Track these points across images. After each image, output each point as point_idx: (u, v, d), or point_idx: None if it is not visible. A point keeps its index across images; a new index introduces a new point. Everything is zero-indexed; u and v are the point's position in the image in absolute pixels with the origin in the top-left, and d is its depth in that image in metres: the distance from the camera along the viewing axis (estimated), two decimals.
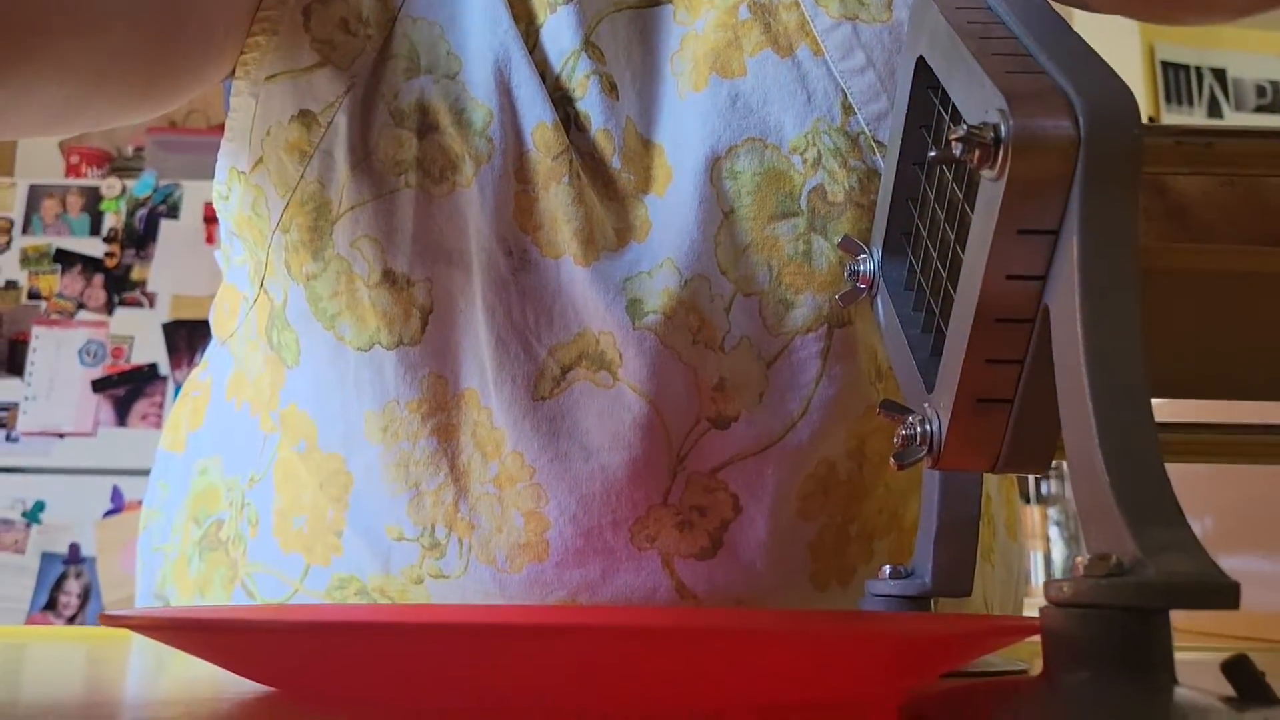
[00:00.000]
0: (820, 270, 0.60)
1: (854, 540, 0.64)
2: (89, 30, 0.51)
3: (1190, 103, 3.36)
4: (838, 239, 0.59)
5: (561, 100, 0.62)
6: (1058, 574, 2.02)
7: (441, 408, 0.59)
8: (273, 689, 0.38)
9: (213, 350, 0.74)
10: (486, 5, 0.62)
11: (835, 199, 0.60)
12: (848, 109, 0.61)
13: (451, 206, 0.60)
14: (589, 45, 0.62)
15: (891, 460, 0.39)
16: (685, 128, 0.62)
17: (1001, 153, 0.32)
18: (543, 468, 0.58)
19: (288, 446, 0.63)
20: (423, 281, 0.59)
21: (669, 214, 0.61)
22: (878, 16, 0.62)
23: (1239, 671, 0.29)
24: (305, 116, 0.60)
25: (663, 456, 0.59)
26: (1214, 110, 3.35)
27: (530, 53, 0.62)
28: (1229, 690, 0.30)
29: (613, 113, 0.62)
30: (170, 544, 0.69)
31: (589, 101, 0.62)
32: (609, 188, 0.62)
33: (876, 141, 0.61)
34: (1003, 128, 0.32)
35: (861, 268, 0.48)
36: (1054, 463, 0.38)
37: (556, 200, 0.59)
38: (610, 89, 0.62)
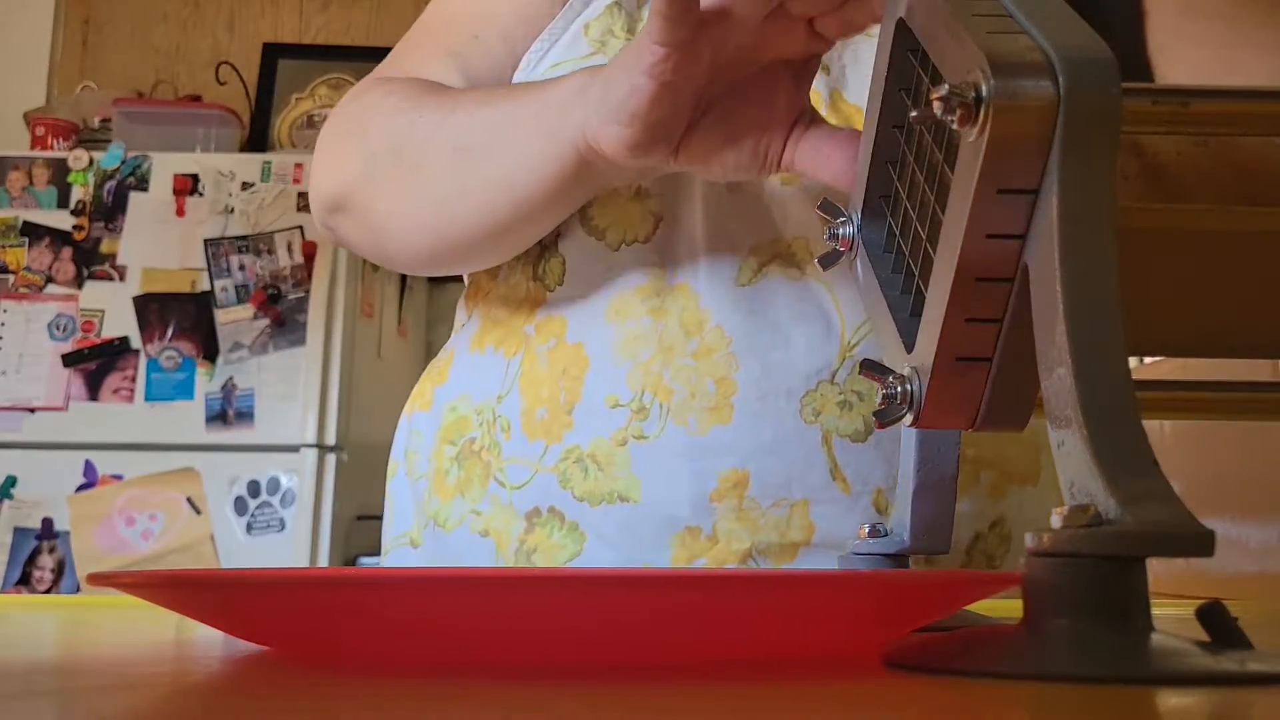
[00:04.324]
0: None
1: (969, 462, 0.71)
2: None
3: None
4: None
5: None
6: None
7: (658, 293, 0.73)
8: (263, 647, 0.38)
9: (454, 335, 0.89)
10: None
11: None
12: None
13: None
14: None
15: (873, 418, 0.40)
16: None
17: (983, 112, 0.33)
18: (739, 339, 0.71)
19: (539, 346, 0.77)
20: (658, 195, 0.74)
21: None
22: None
23: (1213, 617, 0.29)
24: None
25: (836, 341, 0.71)
26: None
27: None
28: (1203, 641, 0.31)
29: (823, 83, 0.75)
30: (430, 469, 0.82)
31: None
32: None
33: None
34: (984, 87, 0.33)
35: (841, 230, 0.49)
36: None
37: None
38: (822, 68, 0.74)
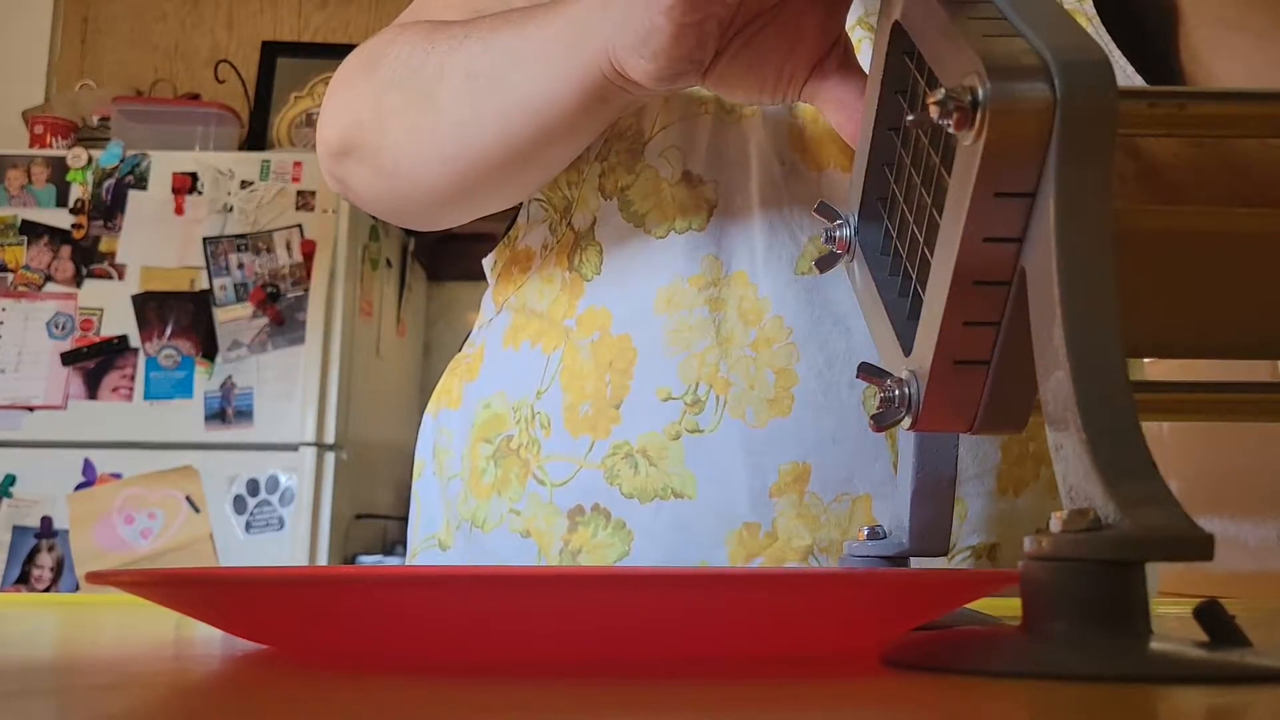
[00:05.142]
0: None
1: (1031, 457, 0.72)
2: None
3: None
4: None
5: None
6: None
7: (714, 283, 0.72)
8: (262, 646, 0.39)
9: (480, 329, 0.86)
10: None
11: None
12: None
13: (739, 129, 0.73)
14: (862, 22, 0.74)
15: (870, 421, 0.40)
16: None
17: (979, 116, 0.33)
18: (799, 329, 0.70)
19: (581, 340, 0.75)
20: (712, 182, 0.73)
21: None
22: None
23: (1211, 615, 0.30)
24: None
25: None
26: None
27: None
28: (1201, 640, 0.31)
29: None
30: (464, 468, 0.80)
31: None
32: None
33: None
34: (980, 91, 0.33)
35: (838, 233, 0.49)
36: None
37: (823, 129, 0.72)
38: None
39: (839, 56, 0.58)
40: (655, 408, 0.71)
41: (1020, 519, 0.71)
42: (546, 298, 0.78)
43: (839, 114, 0.57)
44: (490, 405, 0.79)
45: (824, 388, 0.69)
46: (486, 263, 0.88)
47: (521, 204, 0.83)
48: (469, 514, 0.78)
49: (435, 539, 0.81)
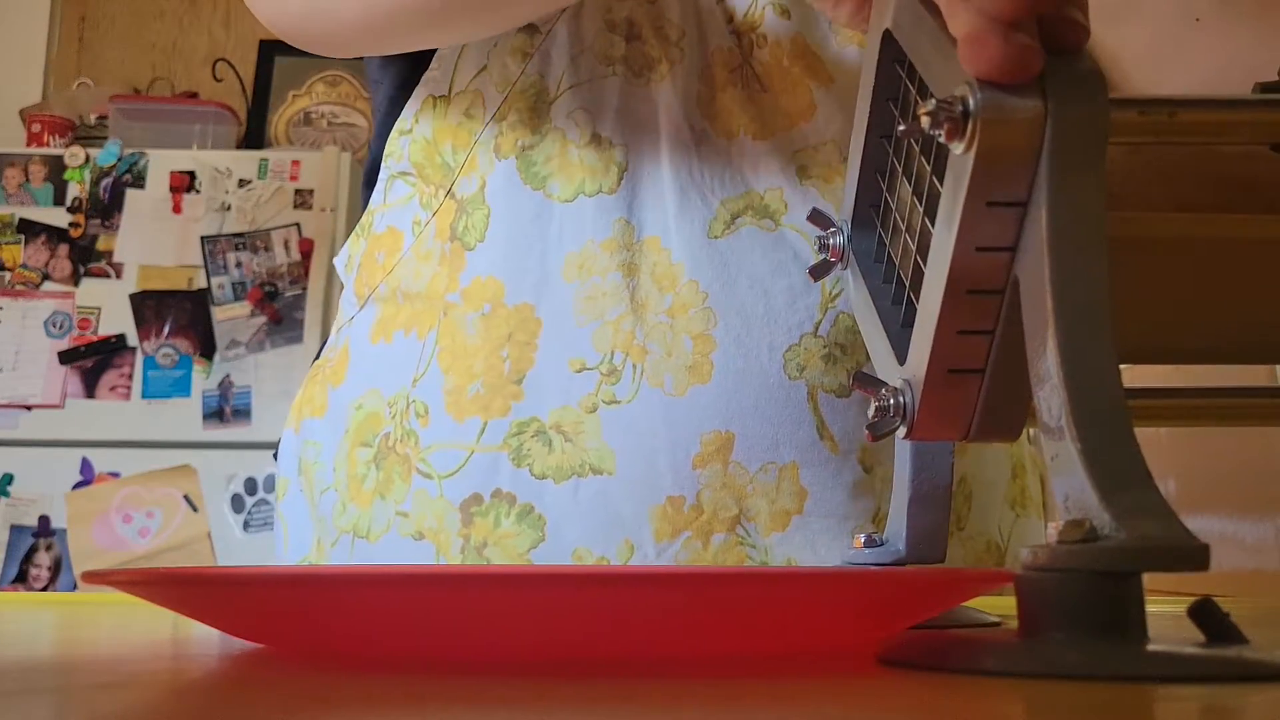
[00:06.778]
0: None
1: None
2: None
3: None
4: None
5: (747, 29, 0.75)
6: None
7: (627, 248, 0.70)
8: (259, 645, 0.39)
9: (340, 330, 0.82)
10: None
11: None
12: None
13: (648, 93, 0.73)
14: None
15: (865, 431, 0.40)
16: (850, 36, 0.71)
17: (970, 126, 0.33)
18: (715, 293, 0.69)
19: (468, 314, 0.71)
20: (621, 145, 0.72)
21: (834, 101, 0.73)
22: None
23: (1205, 613, 0.30)
24: (529, 28, 0.74)
25: (816, 292, 0.69)
26: None
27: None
28: (1198, 640, 0.31)
29: (784, 30, 0.74)
30: (338, 478, 0.75)
31: (767, 25, 0.74)
32: (782, 80, 0.74)
33: None
34: (971, 101, 0.33)
35: (831, 240, 0.49)
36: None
37: (732, 99, 0.73)
38: (783, 13, 0.75)
39: None
40: (568, 380, 0.68)
41: None
42: (424, 276, 0.75)
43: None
44: (363, 406, 0.75)
45: (743, 353, 0.67)
46: (338, 261, 0.84)
47: (380, 185, 0.80)
48: (349, 525, 0.73)
49: (307, 562, 0.76)
